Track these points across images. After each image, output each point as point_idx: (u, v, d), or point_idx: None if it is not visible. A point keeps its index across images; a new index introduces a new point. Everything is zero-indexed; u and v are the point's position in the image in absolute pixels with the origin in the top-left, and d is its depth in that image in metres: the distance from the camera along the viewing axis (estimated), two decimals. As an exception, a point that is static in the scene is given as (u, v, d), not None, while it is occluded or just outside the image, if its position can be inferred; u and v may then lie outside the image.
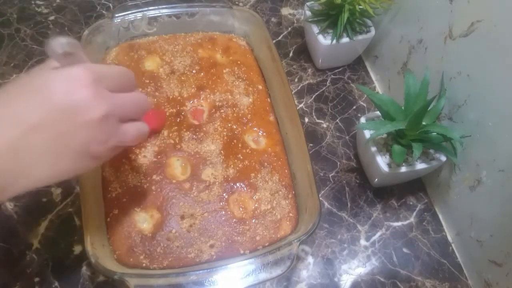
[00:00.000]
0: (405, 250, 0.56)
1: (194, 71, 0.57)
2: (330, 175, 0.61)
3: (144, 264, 0.44)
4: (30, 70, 0.32)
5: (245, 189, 0.49)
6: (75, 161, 0.31)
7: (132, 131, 0.35)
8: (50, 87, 0.30)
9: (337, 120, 0.67)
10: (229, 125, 0.53)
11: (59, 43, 0.30)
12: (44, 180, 0.31)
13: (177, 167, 0.50)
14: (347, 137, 0.65)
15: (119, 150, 0.35)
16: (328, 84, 0.71)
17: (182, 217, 0.46)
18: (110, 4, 0.78)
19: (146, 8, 0.59)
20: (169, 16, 0.60)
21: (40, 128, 0.29)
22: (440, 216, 0.59)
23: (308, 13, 0.66)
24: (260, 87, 0.58)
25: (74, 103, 0.30)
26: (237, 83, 0.57)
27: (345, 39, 0.65)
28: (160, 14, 0.59)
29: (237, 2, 0.80)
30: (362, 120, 0.56)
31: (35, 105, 0.29)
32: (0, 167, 0.28)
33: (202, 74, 0.57)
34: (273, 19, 0.78)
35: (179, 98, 0.55)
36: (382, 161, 0.53)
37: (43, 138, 0.29)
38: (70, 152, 0.31)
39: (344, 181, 0.61)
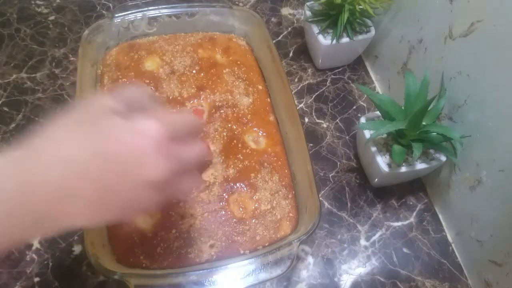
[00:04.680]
0: (405, 250, 0.56)
1: (194, 71, 0.57)
2: (330, 175, 0.61)
3: (144, 264, 0.44)
4: (87, 100, 0.29)
5: (245, 189, 0.49)
6: (118, 214, 0.29)
7: (188, 187, 0.32)
8: (115, 134, 0.27)
9: (337, 120, 0.67)
10: (229, 125, 0.53)
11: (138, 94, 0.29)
12: (77, 226, 0.28)
13: (177, 167, 0.49)
14: (347, 137, 0.65)
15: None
16: (328, 84, 0.71)
17: (182, 217, 0.46)
18: (110, 4, 0.78)
19: (146, 8, 0.59)
20: (169, 16, 0.60)
21: (92, 176, 0.26)
22: (440, 216, 0.59)
23: (308, 13, 0.66)
24: (260, 87, 0.58)
25: (136, 158, 0.27)
26: (237, 83, 0.57)
27: (345, 39, 0.65)
28: (160, 14, 0.60)
29: (237, 2, 0.80)
30: (362, 120, 0.56)
31: (92, 150, 0.26)
32: (36, 207, 0.25)
33: (202, 74, 0.57)
34: (273, 19, 0.78)
35: (179, 98, 0.55)
36: (382, 161, 0.53)
37: (92, 187, 0.26)
38: (116, 206, 0.28)
39: (344, 181, 0.61)
